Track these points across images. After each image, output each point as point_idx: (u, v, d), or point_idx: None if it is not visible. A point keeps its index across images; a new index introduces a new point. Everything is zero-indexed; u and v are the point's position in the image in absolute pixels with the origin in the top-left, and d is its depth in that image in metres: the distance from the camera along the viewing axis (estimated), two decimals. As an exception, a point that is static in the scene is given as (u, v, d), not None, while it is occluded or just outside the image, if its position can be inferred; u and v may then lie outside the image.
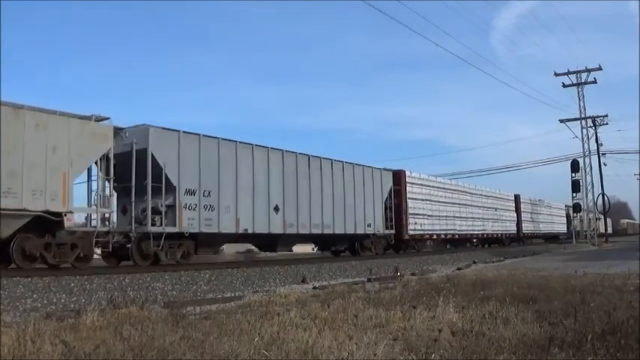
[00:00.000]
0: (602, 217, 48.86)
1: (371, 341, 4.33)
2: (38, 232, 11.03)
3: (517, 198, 37.40)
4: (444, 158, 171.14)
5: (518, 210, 37.13)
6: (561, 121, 40.48)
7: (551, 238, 44.86)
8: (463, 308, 5.90)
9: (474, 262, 18.68)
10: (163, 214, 13.16)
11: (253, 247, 20.80)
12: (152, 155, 13.07)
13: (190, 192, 13.86)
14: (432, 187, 26.39)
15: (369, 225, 20.72)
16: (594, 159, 41.27)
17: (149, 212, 12.88)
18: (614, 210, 61.36)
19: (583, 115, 39.83)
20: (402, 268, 15.11)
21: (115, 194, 13.33)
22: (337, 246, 21.02)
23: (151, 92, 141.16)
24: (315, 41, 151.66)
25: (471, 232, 30.61)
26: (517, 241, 37.60)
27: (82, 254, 11.69)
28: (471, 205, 30.27)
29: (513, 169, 76.19)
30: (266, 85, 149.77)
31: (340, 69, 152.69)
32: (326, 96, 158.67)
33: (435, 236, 26.76)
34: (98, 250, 12.59)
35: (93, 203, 12.25)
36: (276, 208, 16.55)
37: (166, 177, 13.24)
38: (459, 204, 28.81)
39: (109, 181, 12.58)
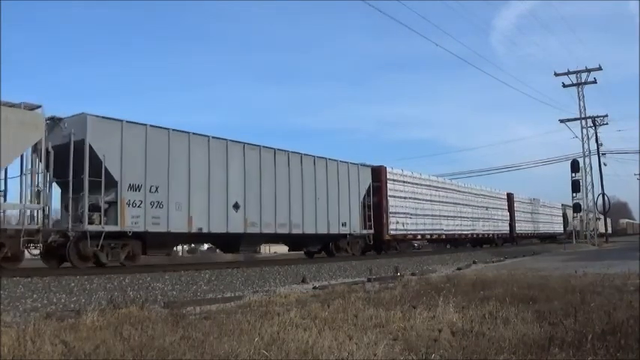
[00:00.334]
0: (602, 217, 48.78)
1: (371, 341, 4.33)
2: None
3: (510, 197, 36.45)
4: (443, 158, 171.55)
5: (511, 209, 36.16)
6: (561, 121, 40.52)
7: (548, 238, 44.27)
8: (463, 308, 5.90)
9: (474, 262, 18.67)
10: (103, 211, 12.14)
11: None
12: (90, 146, 12.02)
13: (135, 187, 12.76)
14: (416, 184, 25.02)
15: (344, 224, 19.41)
16: (594, 159, 41.34)
17: (86, 209, 11.84)
18: (614, 210, 61.31)
19: (583, 115, 39.85)
20: (402, 268, 15.10)
21: (53, 189, 12.50)
22: (309, 247, 19.82)
23: (151, 92, 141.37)
24: (315, 41, 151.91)
25: (460, 232, 29.15)
26: (510, 242, 36.65)
27: (9, 254, 10.90)
28: (460, 204, 29.01)
29: (513, 169, 76.36)
30: (266, 85, 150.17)
31: (340, 69, 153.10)
32: (326, 96, 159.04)
33: (419, 236, 25.38)
34: (36, 250, 11.75)
35: (28, 199, 11.50)
36: (236, 206, 15.35)
37: (106, 170, 12.22)
38: (445, 202, 27.43)
39: (43, 175, 11.81)
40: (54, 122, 12.34)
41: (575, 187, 38.51)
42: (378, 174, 22.16)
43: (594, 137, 41.15)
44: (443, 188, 27.81)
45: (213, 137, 15.11)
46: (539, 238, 43.48)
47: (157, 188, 13.25)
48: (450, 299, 6.39)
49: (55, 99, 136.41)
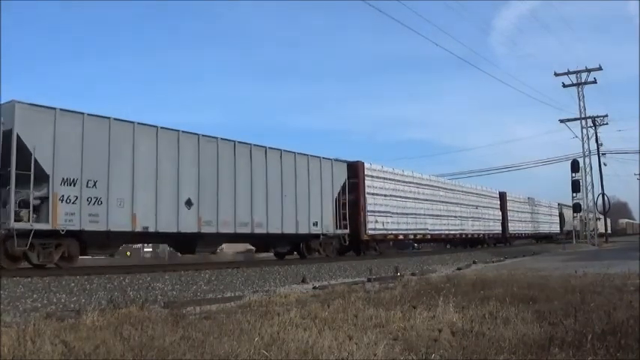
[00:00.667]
0: (602, 217, 48.76)
1: (371, 341, 4.32)
2: None
3: (502, 196, 35.52)
4: (443, 158, 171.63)
5: (503, 208, 35.15)
6: (561, 121, 40.53)
7: (544, 238, 43.67)
8: (463, 308, 5.89)
9: (474, 262, 18.68)
10: (32, 207, 11.15)
11: (253, 247, 19.85)
12: (18, 137, 11.05)
13: (69, 182, 11.71)
14: (398, 181, 23.49)
15: (315, 224, 17.96)
16: (594, 159, 41.40)
17: (11, 205, 10.85)
18: (613, 210, 61.38)
19: (583, 115, 39.85)
20: (402, 268, 15.10)
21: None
22: (277, 248, 18.43)
23: (151, 91, 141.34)
24: (315, 41, 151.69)
25: (447, 232, 27.76)
26: (503, 242, 35.66)
27: None
28: (447, 202, 27.70)
29: (513, 169, 76.38)
30: (265, 85, 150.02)
31: (340, 69, 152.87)
32: (325, 95, 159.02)
33: (400, 236, 23.62)
34: None
35: None
36: (189, 203, 14.10)
37: (37, 163, 11.22)
38: (432, 200, 26.06)
39: None
40: None
41: (575, 187, 38.48)
42: (355, 170, 20.66)
43: (594, 137, 41.29)
44: (429, 186, 26.44)
45: (161, 128, 13.82)
46: (535, 238, 42.74)
47: (95, 183, 12.14)
48: (450, 299, 6.38)
49: (55, 99, 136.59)
